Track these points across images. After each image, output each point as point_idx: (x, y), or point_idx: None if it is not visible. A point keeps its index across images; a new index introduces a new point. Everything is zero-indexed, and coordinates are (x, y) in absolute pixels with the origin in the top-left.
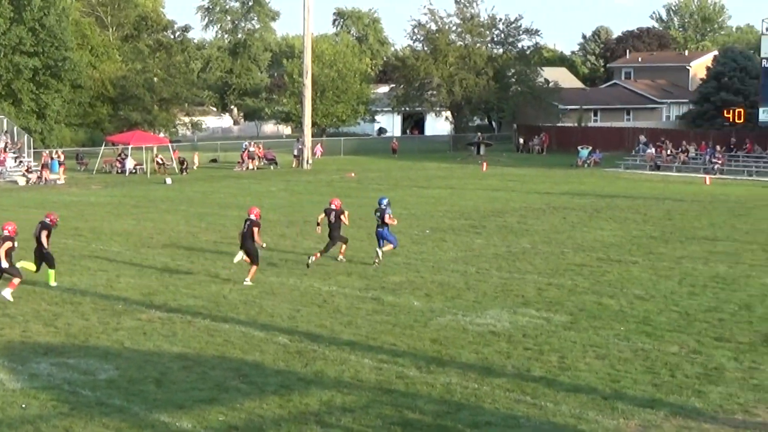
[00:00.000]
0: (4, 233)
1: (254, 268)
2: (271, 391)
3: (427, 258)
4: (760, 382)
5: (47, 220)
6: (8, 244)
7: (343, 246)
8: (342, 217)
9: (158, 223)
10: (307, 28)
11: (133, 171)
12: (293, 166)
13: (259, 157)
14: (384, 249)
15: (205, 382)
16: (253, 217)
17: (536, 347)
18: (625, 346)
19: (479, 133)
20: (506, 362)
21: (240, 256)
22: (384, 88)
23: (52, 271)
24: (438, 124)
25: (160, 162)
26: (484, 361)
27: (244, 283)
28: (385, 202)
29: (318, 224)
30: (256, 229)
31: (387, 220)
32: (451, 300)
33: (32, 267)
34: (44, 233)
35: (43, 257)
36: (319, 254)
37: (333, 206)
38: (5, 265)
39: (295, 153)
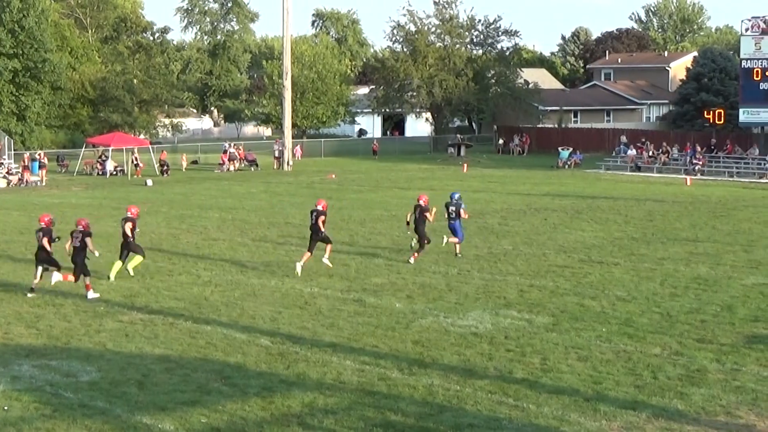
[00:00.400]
0: (127, 215)
1: (329, 246)
2: (253, 393)
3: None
4: (742, 383)
5: (129, 214)
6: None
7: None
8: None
9: (139, 225)
10: (286, 29)
11: (114, 173)
12: (274, 167)
13: (239, 158)
14: (450, 240)
15: (187, 384)
16: (320, 207)
17: (518, 349)
18: (607, 347)
19: (458, 135)
20: (488, 364)
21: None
22: (364, 90)
23: (137, 258)
24: (418, 126)
25: (135, 163)
26: (466, 362)
27: (323, 260)
28: (456, 196)
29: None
30: (322, 218)
31: (462, 214)
32: (432, 302)
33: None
34: (128, 226)
35: (128, 247)
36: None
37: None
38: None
39: (276, 155)
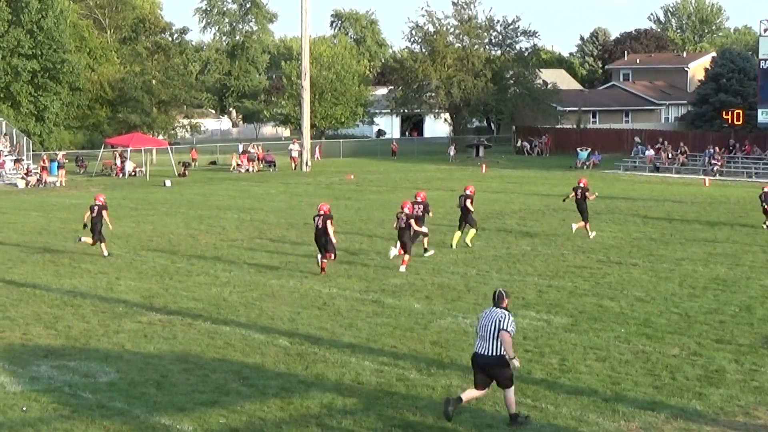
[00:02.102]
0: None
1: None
2: (271, 394)
3: (427, 260)
4: (761, 384)
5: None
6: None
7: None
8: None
9: (158, 226)
10: (304, 30)
11: (133, 173)
12: (292, 168)
13: (258, 159)
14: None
15: (205, 385)
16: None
17: (536, 349)
18: (625, 348)
19: (479, 137)
20: None
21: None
22: (382, 90)
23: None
24: (437, 126)
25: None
26: None
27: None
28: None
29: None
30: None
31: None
32: (451, 302)
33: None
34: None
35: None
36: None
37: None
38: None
39: (292, 155)
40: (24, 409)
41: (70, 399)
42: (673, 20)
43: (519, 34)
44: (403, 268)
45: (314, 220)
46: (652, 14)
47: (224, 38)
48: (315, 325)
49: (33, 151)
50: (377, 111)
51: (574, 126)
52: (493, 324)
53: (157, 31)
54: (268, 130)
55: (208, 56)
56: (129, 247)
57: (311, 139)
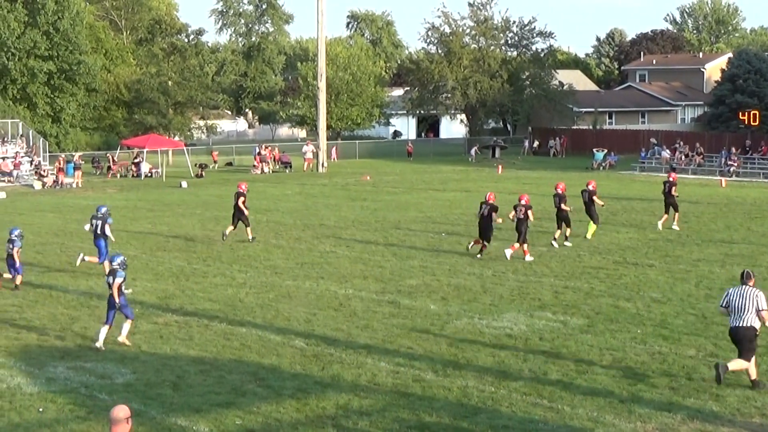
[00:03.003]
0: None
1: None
2: (287, 395)
3: (444, 261)
4: None
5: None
6: None
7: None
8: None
9: (174, 227)
10: (320, 30)
11: (149, 174)
12: (303, 169)
13: (274, 159)
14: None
15: (221, 386)
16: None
17: (553, 350)
18: (641, 349)
19: (494, 138)
20: (523, 365)
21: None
22: (398, 91)
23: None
24: (453, 127)
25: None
26: (501, 364)
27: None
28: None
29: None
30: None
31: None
32: (467, 303)
33: None
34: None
35: None
36: None
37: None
38: None
39: (307, 156)
40: (40, 410)
41: (86, 400)
42: (689, 21)
43: (535, 35)
44: (509, 253)
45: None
46: (668, 15)
47: (240, 39)
48: (331, 326)
49: (49, 152)
50: (393, 112)
51: (591, 127)
52: (749, 300)
53: (173, 33)
54: (284, 131)
55: (224, 57)
56: (145, 248)
57: (327, 140)
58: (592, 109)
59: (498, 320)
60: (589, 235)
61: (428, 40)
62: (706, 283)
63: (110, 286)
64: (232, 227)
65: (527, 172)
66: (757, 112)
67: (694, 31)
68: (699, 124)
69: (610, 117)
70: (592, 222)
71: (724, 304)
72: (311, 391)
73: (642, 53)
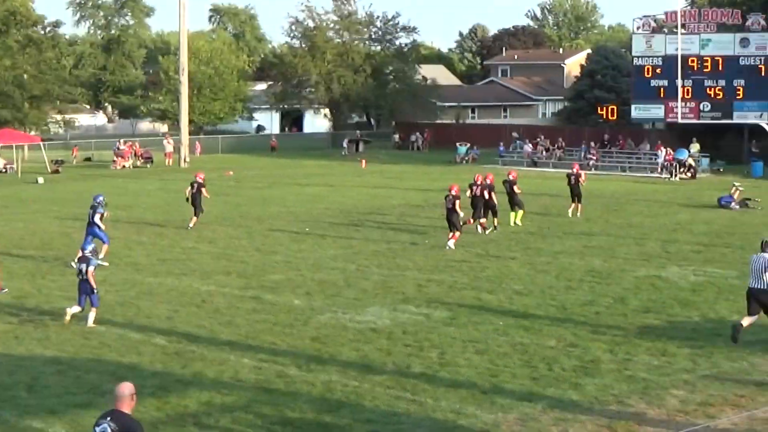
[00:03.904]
0: None
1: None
2: (148, 394)
3: (307, 256)
4: (634, 373)
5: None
6: None
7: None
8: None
9: (30, 224)
10: (182, 24)
11: (3, 170)
12: (167, 164)
13: (135, 154)
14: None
15: (79, 387)
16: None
17: (416, 344)
18: (503, 340)
19: (357, 132)
20: (386, 359)
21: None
22: (262, 86)
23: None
24: (317, 122)
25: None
26: (365, 358)
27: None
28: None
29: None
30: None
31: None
32: (331, 298)
33: None
34: None
35: None
36: None
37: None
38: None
39: (167, 150)
40: None
41: None
42: (549, 17)
43: (399, 29)
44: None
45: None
46: (529, 11)
47: (99, 32)
48: (193, 323)
49: None
50: (257, 106)
51: (454, 121)
52: (765, 264)
53: (28, 25)
54: (145, 125)
55: (82, 50)
56: (0, 246)
57: (189, 135)
58: (455, 104)
59: (361, 314)
60: (518, 221)
61: (292, 35)
62: (566, 274)
63: (82, 273)
64: (194, 217)
65: (391, 166)
66: (614, 107)
67: (555, 28)
68: (559, 119)
69: (473, 111)
70: (518, 208)
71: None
72: (172, 390)
73: (504, 49)
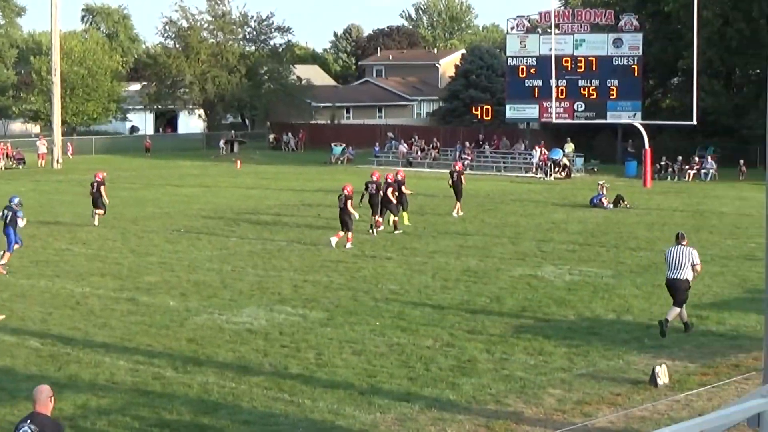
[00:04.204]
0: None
1: (349, 234)
2: (23, 397)
3: (183, 257)
4: (511, 372)
5: None
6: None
7: None
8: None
9: None
10: (54, 24)
11: None
12: (39, 165)
13: (7, 156)
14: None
15: None
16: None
17: (293, 344)
18: (380, 340)
19: (232, 131)
20: (263, 360)
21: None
22: (136, 86)
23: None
24: (191, 122)
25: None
26: (242, 359)
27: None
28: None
29: None
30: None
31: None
32: (207, 299)
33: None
34: None
35: None
36: None
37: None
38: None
39: (40, 151)
40: None
41: None
42: (424, 18)
43: (273, 30)
44: (339, 243)
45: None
46: (404, 11)
47: None
48: (68, 326)
49: None
50: (130, 107)
51: (329, 122)
52: (684, 257)
53: None
54: (17, 126)
55: None
56: None
57: (62, 135)
58: (330, 104)
59: (238, 315)
60: (407, 221)
61: (166, 35)
62: (443, 274)
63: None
64: (99, 212)
65: (266, 167)
66: (489, 107)
67: (429, 28)
68: (434, 119)
69: (348, 112)
70: (402, 209)
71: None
72: None
73: (379, 49)
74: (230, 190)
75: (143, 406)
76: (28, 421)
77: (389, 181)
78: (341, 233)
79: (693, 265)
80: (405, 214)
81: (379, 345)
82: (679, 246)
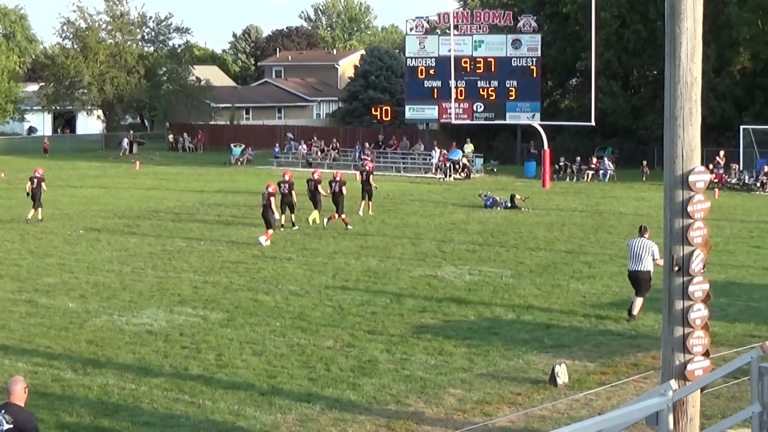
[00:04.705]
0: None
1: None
2: None
3: (82, 258)
4: (411, 372)
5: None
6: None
7: None
8: None
9: None
10: None
11: None
12: None
13: None
14: None
15: None
16: (287, 177)
17: (193, 345)
18: (281, 341)
19: (131, 131)
20: (164, 361)
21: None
22: (33, 87)
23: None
24: (90, 123)
25: None
26: (142, 361)
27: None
28: None
29: None
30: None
31: None
32: (106, 300)
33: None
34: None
35: None
36: None
37: None
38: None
39: None
40: None
41: None
42: (323, 18)
43: (172, 30)
44: (266, 241)
45: None
46: (303, 12)
47: None
48: None
49: None
50: (28, 108)
51: (228, 122)
52: (645, 249)
53: None
54: None
55: None
56: None
57: None
58: (229, 105)
59: (138, 317)
60: (310, 219)
61: (63, 35)
62: (343, 275)
63: None
64: (33, 210)
65: (165, 168)
66: (389, 108)
67: (328, 29)
68: (334, 120)
69: (248, 112)
70: (315, 209)
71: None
72: None
73: (278, 49)
74: (129, 191)
75: (42, 408)
76: (2, 411)
77: (316, 178)
78: (270, 231)
79: (654, 259)
80: (316, 213)
81: (279, 346)
82: (641, 238)
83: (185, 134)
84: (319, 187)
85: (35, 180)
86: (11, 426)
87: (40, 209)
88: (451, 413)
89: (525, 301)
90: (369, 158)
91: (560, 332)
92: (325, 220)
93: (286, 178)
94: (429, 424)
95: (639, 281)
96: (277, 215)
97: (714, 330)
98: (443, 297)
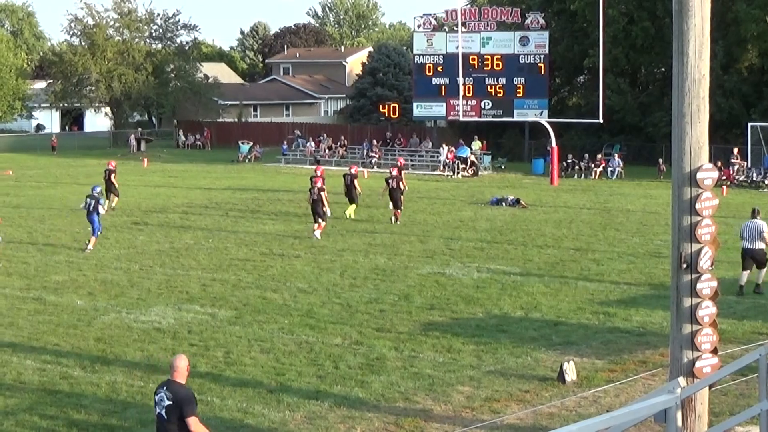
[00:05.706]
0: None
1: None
2: None
3: (90, 256)
4: (419, 370)
5: None
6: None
7: None
8: None
9: None
10: None
11: None
12: None
13: None
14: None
15: None
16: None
17: (201, 343)
18: (289, 339)
19: (139, 129)
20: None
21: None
22: (41, 84)
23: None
24: (98, 120)
25: None
26: (150, 358)
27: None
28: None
29: None
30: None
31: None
32: (115, 298)
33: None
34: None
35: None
36: None
37: None
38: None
39: None
40: None
41: None
42: (331, 15)
43: (179, 27)
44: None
45: None
46: (310, 9)
47: None
48: None
49: None
50: (36, 105)
51: (236, 120)
52: (757, 230)
53: None
54: None
55: None
56: None
57: None
58: (237, 102)
59: (146, 314)
60: (347, 213)
61: (71, 32)
62: (351, 272)
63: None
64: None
65: (173, 165)
66: (396, 105)
67: (336, 26)
68: (342, 117)
69: (255, 110)
70: (351, 203)
71: (741, 234)
72: None
73: (286, 47)
74: (137, 188)
75: (51, 405)
76: (165, 388)
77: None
78: (322, 223)
79: (762, 235)
80: (353, 207)
81: (287, 343)
82: (754, 220)
83: (188, 133)
84: (356, 181)
85: (107, 172)
86: (171, 402)
87: (116, 199)
88: (460, 411)
89: (533, 299)
90: (377, 155)
91: (568, 329)
92: (392, 218)
93: (318, 173)
94: (437, 421)
95: (756, 256)
96: (328, 209)
97: (722, 327)
98: (451, 294)
